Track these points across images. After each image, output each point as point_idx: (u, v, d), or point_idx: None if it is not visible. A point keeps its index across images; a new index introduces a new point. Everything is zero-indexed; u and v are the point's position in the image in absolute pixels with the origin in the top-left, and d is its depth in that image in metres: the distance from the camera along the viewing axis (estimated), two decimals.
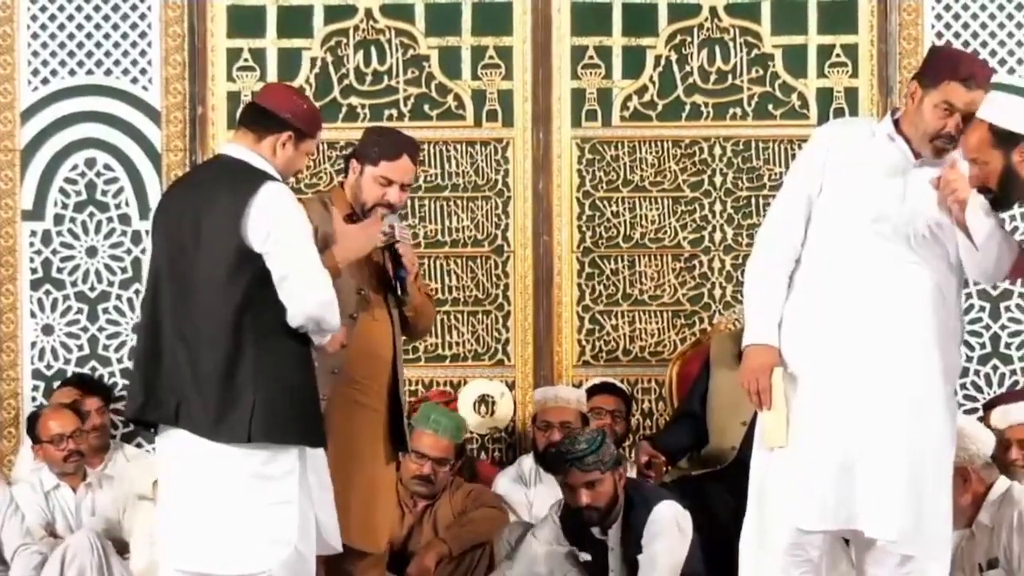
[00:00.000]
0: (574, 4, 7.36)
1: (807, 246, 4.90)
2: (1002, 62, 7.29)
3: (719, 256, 7.38)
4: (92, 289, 7.36)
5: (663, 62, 7.38)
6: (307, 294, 4.62)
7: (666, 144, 7.38)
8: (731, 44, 7.37)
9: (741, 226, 7.34)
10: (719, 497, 6.01)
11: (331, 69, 7.39)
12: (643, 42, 7.39)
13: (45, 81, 7.35)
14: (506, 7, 7.38)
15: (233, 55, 7.37)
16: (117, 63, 7.35)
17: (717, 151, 7.37)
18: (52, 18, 7.33)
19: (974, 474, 5.50)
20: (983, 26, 7.32)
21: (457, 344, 7.39)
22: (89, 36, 7.34)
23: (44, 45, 7.33)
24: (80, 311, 7.35)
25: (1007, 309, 7.34)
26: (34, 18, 7.33)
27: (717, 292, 7.38)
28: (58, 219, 7.36)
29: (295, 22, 7.38)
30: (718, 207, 7.37)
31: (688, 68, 7.37)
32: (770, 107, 7.36)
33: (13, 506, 6.50)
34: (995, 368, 7.32)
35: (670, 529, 5.82)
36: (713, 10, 7.36)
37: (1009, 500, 5.48)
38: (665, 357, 7.29)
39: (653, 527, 5.82)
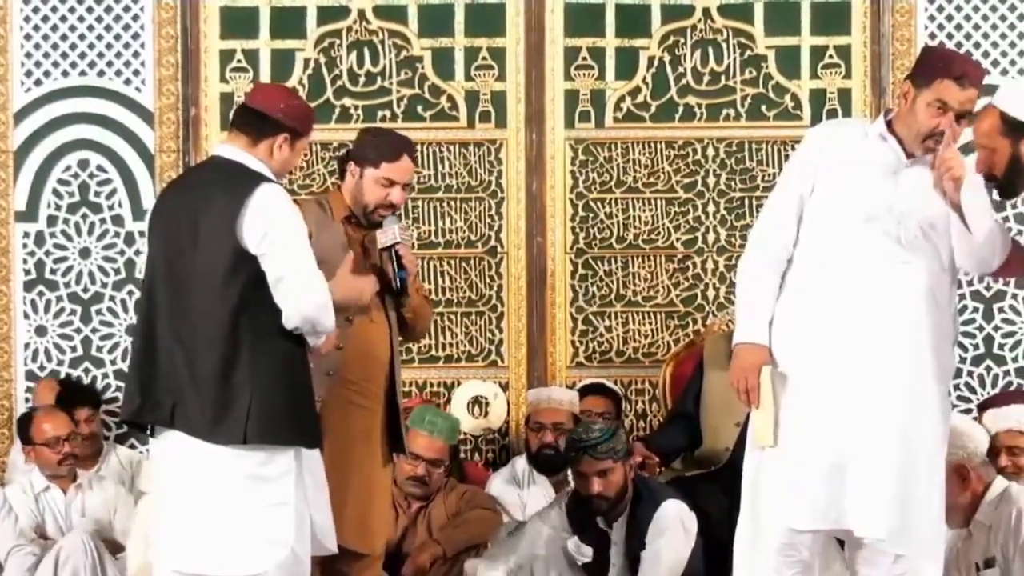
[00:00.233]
0: (567, 5, 7.37)
1: (799, 246, 4.90)
2: (995, 63, 7.30)
3: (712, 257, 7.38)
4: (85, 290, 7.35)
5: (656, 63, 7.39)
6: (303, 296, 4.62)
7: (659, 145, 7.38)
8: (724, 45, 7.38)
9: (734, 227, 7.34)
10: (713, 498, 6.01)
11: (324, 70, 7.39)
12: (636, 43, 7.39)
13: (38, 82, 7.35)
14: (499, 8, 7.38)
15: (226, 56, 7.38)
16: (110, 64, 7.34)
17: (710, 152, 7.37)
18: (45, 19, 7.33)
19: (973, 472, 5.49)
20: (976, 27, 7.33)
21: (451, 345, 7.39)
22: (82, 37, 7.34)
23: (37, 46, 7.33)
24: (73, 312, 7.35)
25: (1000, 310, 7.35)
26: (27, 19, 7.33)
27: (711, 293, 7.38)
28: (51, 220, 7.36)
29: (288, 23, 7.39)
30: (711, 208, 7.38)
31: (681, 69, 7.38)
32: (763, 108, 7.37)
33: (7, 508, 6.49)
34: (988, 369, 7.33)
35: (675, 527, 5.83)
36: (706, 11, 7.37)
37: (1007, 499, 5.48)
38: (659, 358, 7.29)
39: (658, 524, 5.83)
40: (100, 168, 7.36)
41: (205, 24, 7.36)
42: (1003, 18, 7.34)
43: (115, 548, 6.57)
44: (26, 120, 7.33)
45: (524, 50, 7.38)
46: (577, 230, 7.38)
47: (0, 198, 7.33)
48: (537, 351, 7.38)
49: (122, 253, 7.35)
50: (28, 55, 7.33)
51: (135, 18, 7.33)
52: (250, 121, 4.81)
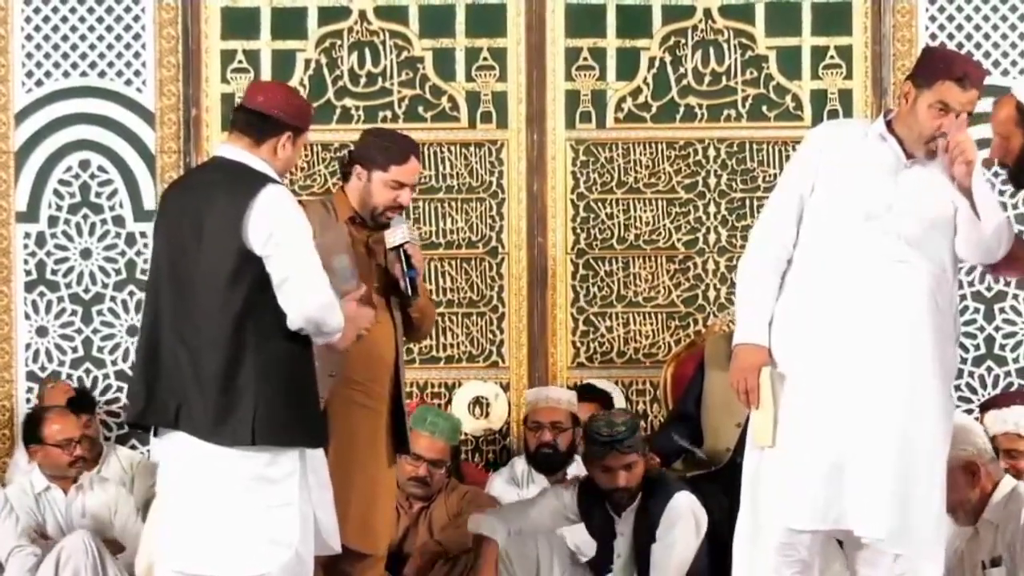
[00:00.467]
0: (568, 6, 7.37)
1: (799, 246, 4.91)
2: (996, 64, 7.30)
3: (713, 258, 7.38)
4: (86, 291, 7.35)
5: (657, 64, 7.39)
6: (307, 296, 4.60)
7: (660, 146, 7.38)
8: (725, 46, 7.38)
9: (735, 228, 7.34)
10: (714, 498, 6.01)
11: (325, 71, 7.39)
12: (637, 44, 7.39)
13: (39, 83, 7.35)
14: (500, 9, 7.38)
15: (227, 57, 7.38)
16: (111, 65, 7.35)
17: (711, 153, 7.37)
18: (46, 20, 7.33)
19: (983, 468, 5.48)
20: (977, 28, 7.33)
21: (452, 346, 7.39)
22: (83, 38, 7.34)
23: (38, 47, 7.33)
24: (74, 313, 7.34)
25: (1001, 311, 7.35)
26: (28, 20, 7.33)
27: (711, 294, 7.38)
28: (52, 221, 7.36)
29: (289, 24, 7.39)
30: (712, 209, 7.38)
31: (682, 70, 7.38)
32: (764, 109, 7.37)
33: (8, 508, 6.49)
34: (989, 370, 7.33)
35: (687, 519, 5.83)
36: (707, 12, 7.37)
37: (1015, 498, 5.47)
38: (659, 359, 7.29)
39: (670, 515, 5.83)
40: (101, 169, 7.36)
41: (206, 25, 7.36)
42: (1004, 18, 7.34)
43: (116, 548, 6.56)
44: (27, 121, 7.33)
45: (525, 50, 7.38)
46: (578, 230, 7.38)
47: (1, 199, 7.33)
48: (538, 352, 7.38)
49: (123, 254, 7.36)
50: (29, 56, 7.33)
51: (136, 19, 7.34)
52: (251, 122, 4.80)
